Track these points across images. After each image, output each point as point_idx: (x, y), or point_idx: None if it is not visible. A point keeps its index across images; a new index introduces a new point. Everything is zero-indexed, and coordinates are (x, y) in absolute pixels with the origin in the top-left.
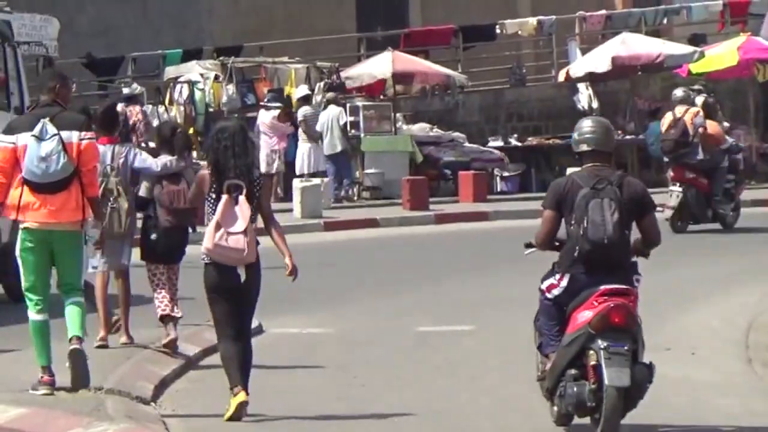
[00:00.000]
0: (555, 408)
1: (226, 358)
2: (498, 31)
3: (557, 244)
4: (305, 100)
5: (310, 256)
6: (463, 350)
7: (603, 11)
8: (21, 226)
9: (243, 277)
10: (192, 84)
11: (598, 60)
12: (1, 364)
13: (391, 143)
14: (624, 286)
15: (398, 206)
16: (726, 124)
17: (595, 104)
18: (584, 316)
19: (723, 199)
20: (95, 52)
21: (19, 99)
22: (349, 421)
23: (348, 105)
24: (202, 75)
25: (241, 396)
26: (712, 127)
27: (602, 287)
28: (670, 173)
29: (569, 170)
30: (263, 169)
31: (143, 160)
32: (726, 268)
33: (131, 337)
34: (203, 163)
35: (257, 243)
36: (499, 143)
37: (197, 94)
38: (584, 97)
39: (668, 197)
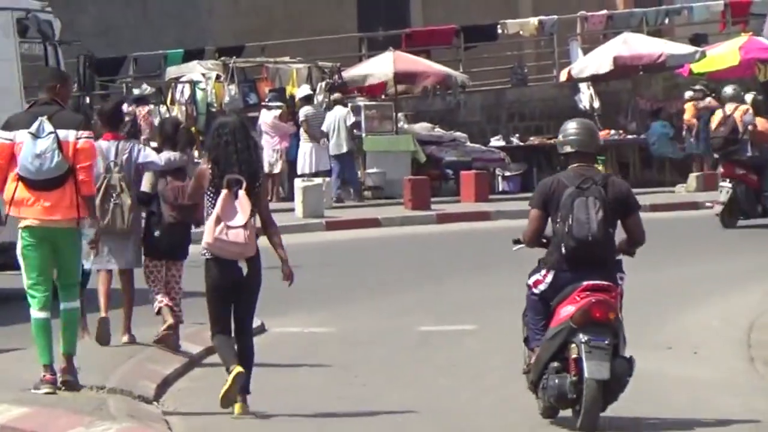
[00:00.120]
0: (540, 401)
1: (220, 346)
2: (499, 31)
3: (545, 241)
4: (307, 99)
5: (312, 255)
6: (465, 350)
7: (604, 11)
8: (21, 224)
9: (245, 271)
10: (193, 84)
11: (600, 60)
12: (5, 363)
13: (392, 143)
14: (606, 282)
15: (400, 206)
16: None
17: (596, 104)
18: (567, 310)
19: None
20: (96, 52)
21: None
22: (350, 419)
23: (350, 105)
24: (203, 75)
25: (237, 368)
26: (761, 124)
27: (585, 283)
28: (720, 169)
29: None
30: (265, 169)
31: (147, 155)
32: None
33: (133, 336)
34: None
35: (257, 237)
36: (501, 143)
37: (199, 94)
38: (586, 97)
39: (718, 193)
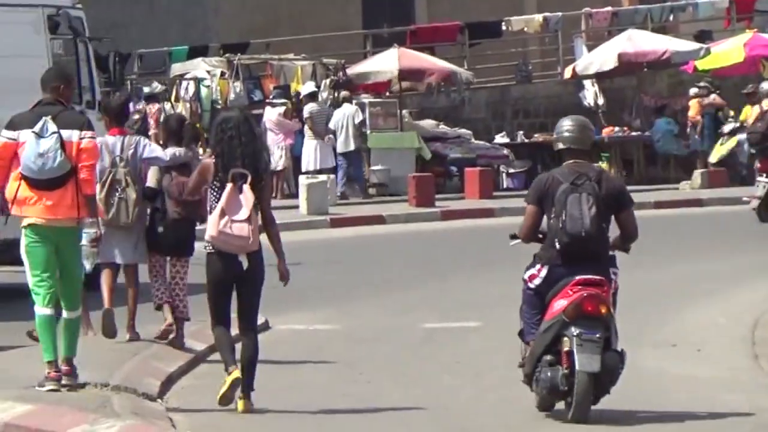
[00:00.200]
0: (535, 393)
1: (220, 342)
2: (504, 27)
3: (541, 236)
4: (311, 96)
5: (316, 252)
6: (469, 347)
7: (609, 8)
8: (24, 223)
9: (245, 265)
10: (198, 81)
11: (605, 57)
12: (12, 361)
13: (397, 140)
14: (598, 277)
15: (404, 203)
16: None
17: (601, 101)
18: (560, 304)
19: None
20: (101, 50)
21: (91, 93)
22: (355, 416)
23: (354, 102)
24: (208, 72)
25: (236, 373)
26: None
27: (577, 277)
28: (757, 164)
29: None
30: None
31: (152, 150)
32: None
33: (137, 333)
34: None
35: (260, 232)
36: (505, 140)
37: (203, 91)
38: (590, 93)
39: (755, 188)
